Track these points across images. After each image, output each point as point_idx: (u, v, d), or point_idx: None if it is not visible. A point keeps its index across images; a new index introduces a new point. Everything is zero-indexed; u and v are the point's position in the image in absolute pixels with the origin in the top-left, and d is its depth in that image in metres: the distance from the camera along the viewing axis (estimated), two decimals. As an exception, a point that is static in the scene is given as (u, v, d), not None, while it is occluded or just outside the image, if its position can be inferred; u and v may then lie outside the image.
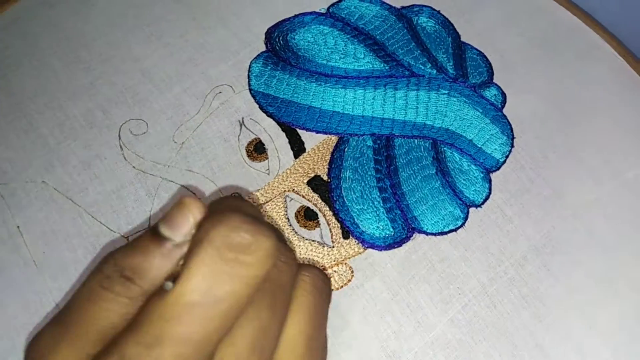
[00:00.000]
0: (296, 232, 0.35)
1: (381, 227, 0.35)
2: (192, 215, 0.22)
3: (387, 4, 0.43)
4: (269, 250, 0.20)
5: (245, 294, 0.20)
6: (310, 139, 0.38)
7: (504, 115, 0.39)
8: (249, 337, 0.21)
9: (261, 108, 0.38)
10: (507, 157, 0.38)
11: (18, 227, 0.35)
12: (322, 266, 0.34)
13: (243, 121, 0.38)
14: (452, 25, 0.43)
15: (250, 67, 0.40)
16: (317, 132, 0.38)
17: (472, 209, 0.36)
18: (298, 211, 0.35)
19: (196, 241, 0.20)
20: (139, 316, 0.20)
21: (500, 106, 0.39)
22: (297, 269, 0.23)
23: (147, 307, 0.20)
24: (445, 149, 0.38)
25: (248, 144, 0.37)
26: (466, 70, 0.41)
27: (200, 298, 0.20)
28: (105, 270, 0.22)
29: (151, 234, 0.22)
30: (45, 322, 0.32)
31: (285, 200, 0.36)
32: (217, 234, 0.20)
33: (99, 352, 0.20)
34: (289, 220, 0.35)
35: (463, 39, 0.42)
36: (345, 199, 0.36)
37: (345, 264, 0.34)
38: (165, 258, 0.22)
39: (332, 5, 0.43)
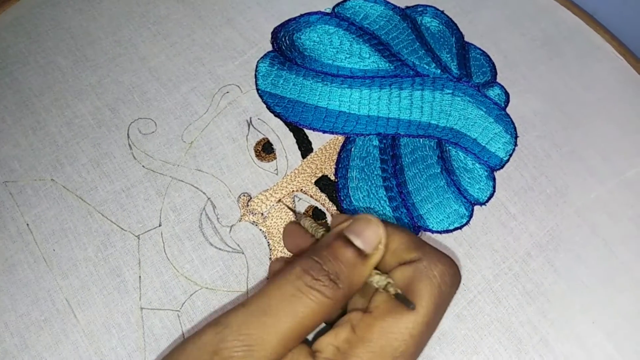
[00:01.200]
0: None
1: (388, 225, 0.36)
2: (381, 232, 0.26)
3: (392, 4, 0.43)
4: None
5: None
6: (317, 138, 0.38)
7: (507, 115, 0.40)
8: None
9: (268, 108, 0.39)
10: (510, 155, 0.38)
11: (27, 224, 0.35)
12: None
13: (251, 121, 0.38)
14: (455, 25, 0.43)
15: (257, 66, 0.40)
16: (324, 132, 0.38)
17: (476, 207, 0.37)
18: (306, 211, 0.36)
19: (425, 274, 0.25)
20: (364, 322, 0.25)
21: (503, 105, 0.40)
22: None
23: (382, 317, 0.25)
24: (450, 147, 0.38)
25: (256, 144, 0.38)
26: (470, 70, 0.41)
27: (429, 323, 0.25)
28: (312, 271, 0.25)
29: (344, 242, 0.26)
30: (54, 320, 0.32)
31: (294, 200, 0.36)
32: (442, 273, 0.26)
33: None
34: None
35: (466, 39, 0.43)
36: (352, 199, 0.36)
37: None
38: (365, 268, 0.26)
39: (337, 5, 0.43)
